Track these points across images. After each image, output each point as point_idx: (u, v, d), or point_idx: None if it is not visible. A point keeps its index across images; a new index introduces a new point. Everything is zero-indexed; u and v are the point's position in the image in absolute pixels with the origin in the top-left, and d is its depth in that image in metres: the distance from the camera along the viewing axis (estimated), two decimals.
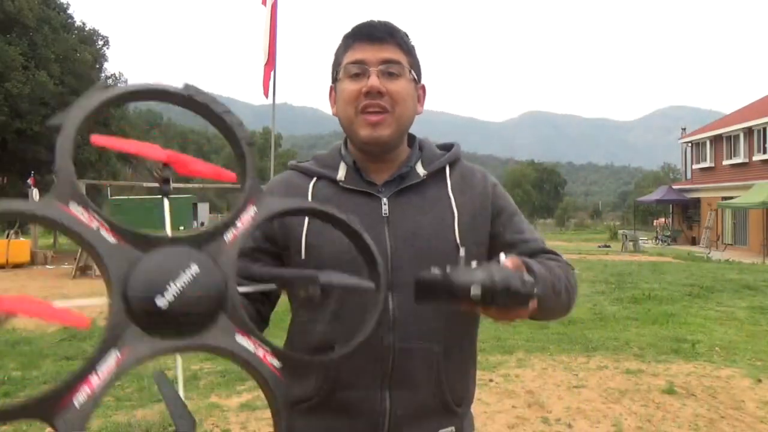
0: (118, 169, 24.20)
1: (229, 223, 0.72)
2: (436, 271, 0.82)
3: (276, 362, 0.67)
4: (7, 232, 14.28)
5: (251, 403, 4.06)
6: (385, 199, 1.10)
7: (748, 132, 23.99)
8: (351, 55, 1.08)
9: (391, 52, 1.07)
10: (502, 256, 0.87)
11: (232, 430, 3.64)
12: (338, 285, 0.83)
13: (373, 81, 1.05)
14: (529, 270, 0.94)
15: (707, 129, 28.08)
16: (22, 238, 14.79)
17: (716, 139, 26.52)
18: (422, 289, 0.84)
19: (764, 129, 22.98)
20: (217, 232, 0.71)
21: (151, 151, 0.76)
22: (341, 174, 1.13)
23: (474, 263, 0.82)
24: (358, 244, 0.83)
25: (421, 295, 0.85)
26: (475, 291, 0.78)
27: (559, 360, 5.40)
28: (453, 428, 1.09)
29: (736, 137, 24.86)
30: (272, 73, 9.53)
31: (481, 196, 1.16)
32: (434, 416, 1.07)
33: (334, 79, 1.13)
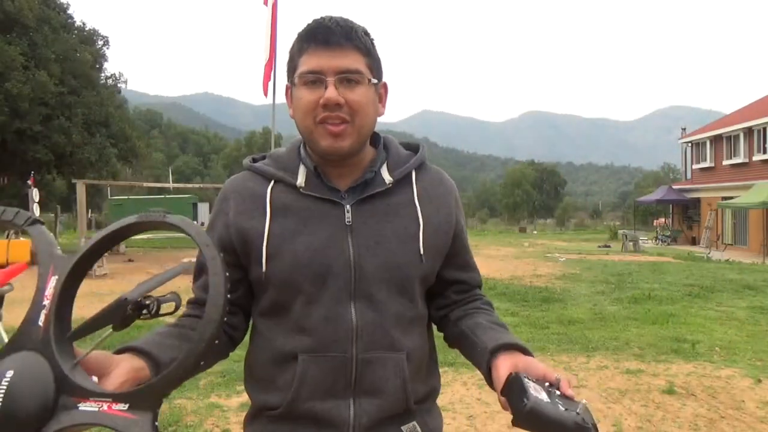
0: (118, 169, 24.18)
1: (38, 308, 0.76)
2: (542, 397, 0.84)
3: (122, 406, 0.70)
4: (7, 232, 14.28)
5: None
6: (348, 206, 1.06)
7: (748, 132, 23.99)
8: (306, 61, 1.02)
9: (349, 59, 1.01)
10: (584, 401, 0.88)
11: (232, 430, 3.64)
12: (155, 286, 0.81)
13: (331, 93, 1.00)
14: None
15: (707, 129, 28.08)
16: (22, 238, 14.78)
17: (716, 139, 26.52)
18: (530, 418, 0.83)
19: (764, 129, 22.98)
20: (29, 324, 0.76)
21: None
22: (301, 179, 1.08)
23: (557, 398, 0.86)
24: (181, 231, 0.82)
25: (525, 422, 0.84)
26: None
27: (559, 360, 5.40)
28: (415, 423, 1.08)
29: (736, 137, 24.86)
30: (272, 72, 9.54)
31: (447, 207, 1.14)
32: (397, 418, 1.06)
33: (291, 82, 1.07)
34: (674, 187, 30.33)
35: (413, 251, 1.06)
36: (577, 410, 0.83)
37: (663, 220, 32.57)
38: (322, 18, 1.04)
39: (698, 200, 27.51)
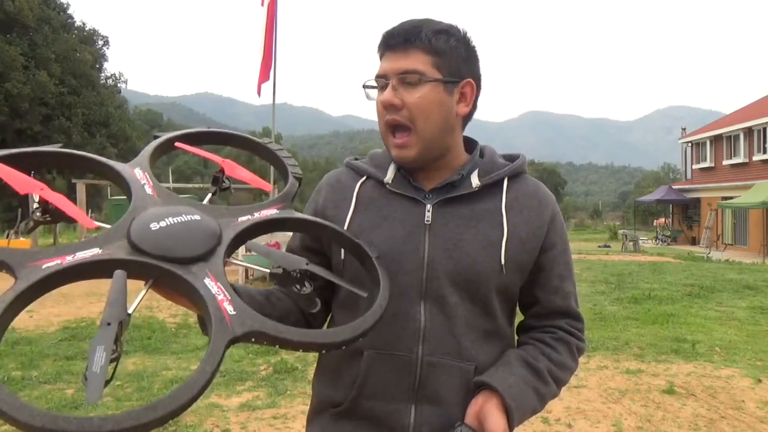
0: None
1: (249, 210, 0.88)
2: None
3: (230, 309, 0.72)
4: (7, 232, 14.27)
5: (251, 403, 4.06)
6: (429, 206, 1.05)
7: (748, 132, 23.98)
8: (379, 67, 1.06)
9: (410, 60, 1.01)
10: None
11: (232, 430, 3.64)
12: (325, 277, 0.88)
13: (385, 95, 1.01)
14: (505, 406, 0.96)
15: (707, 129, 28.08)
16: (22, 238, 14.78)
17: (716, 139, 26.52)
18: None
19: (764, 129, 22.98)
20: (236, 212, 0.88)
21: (213, 156, 1.02)
22: (389, 176, 1.09)
23: None
24: (355, 251, 0.94)
25: None
26: None
27: None
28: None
29: (736, 137, 24.86)
30: (272, 73, 9.53)
31: (538, 221, 1.08)
32: None
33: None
34: (674, 187, 30.32)
35: (493, 260, 1.03)
36: None
37: (663, 220, 32.55)
38: (393, 26, 1.06)
39: (698, 200, 27.51)
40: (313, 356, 5.32)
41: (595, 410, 4.05)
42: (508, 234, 1.04)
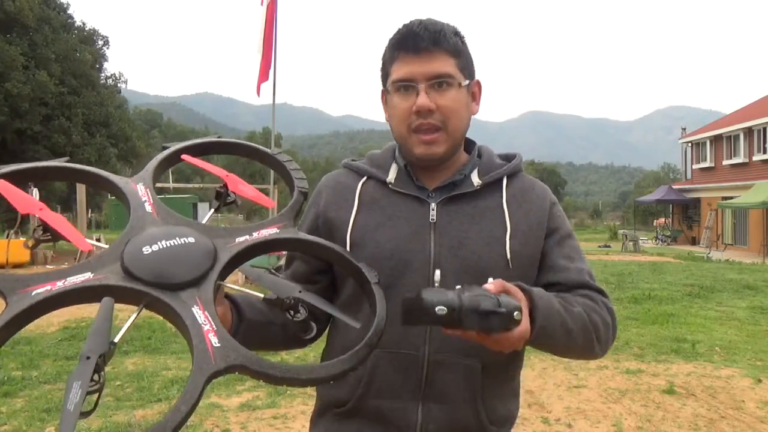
0: (118, 170, 24.20)
1: (248, 230, 0.86)
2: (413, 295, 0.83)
3: (215, 340, 0.70)
4: (7, 232, 14.26)
5: (251, 403, 4.06)
6: (433, 205, 1.06)
7: (748, 132, 23.98)
8: (398, 69, 1.03)
9: (439, 64, 1.01)
10: (490, 280, 0.85)
11: (232, 430, 3.64)
12: (318, 306, 0.84)
13: (422, 100, 1.00)
14: (530, 299, 0.91)
15: (707, 129, 28.07)
16: (22, 238, 14.77)
17: (716, 139, 26.52)
18: (404, 312, 0.83)
19: (764, 129, 22.98)
20: (234, 231, 0.85)
21: (216, 170, 0.99)
22: (391, 176, 1.10)
23: (458, 288, 0.81)
24: (355, 274, 0.92)
25: (405, 318, 0.83)
26: (440, 311, 0.77)
27: (559, 360, 5.39)
28: None
29: (736, 137, 24.86)
30: (271, 73, 9.53)
31: (538, 212, 1.10)
32: None
33: (385, 89, 1.09)
34: (674, 187, 30.31)
35: (498, 255, 1.03)
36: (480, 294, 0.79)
37: (663, 220, 32.55)
38: (411, 23, 1.05)
39: (698, 200, 27.50)
40: (314, 356, 5.32)
41: (595, 410, 4.05)
42: (511, 229, 1.05)
